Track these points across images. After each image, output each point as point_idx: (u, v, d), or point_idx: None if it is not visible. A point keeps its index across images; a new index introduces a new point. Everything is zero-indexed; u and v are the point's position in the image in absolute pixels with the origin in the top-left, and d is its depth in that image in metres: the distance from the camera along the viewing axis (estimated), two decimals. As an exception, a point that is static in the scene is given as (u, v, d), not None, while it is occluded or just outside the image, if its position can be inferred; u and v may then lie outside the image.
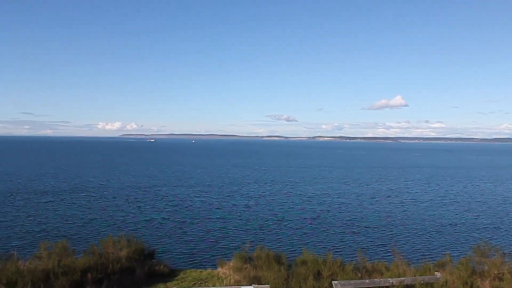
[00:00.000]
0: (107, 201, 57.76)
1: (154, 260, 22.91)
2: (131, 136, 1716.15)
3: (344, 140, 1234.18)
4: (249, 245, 23.18)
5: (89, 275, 18.21)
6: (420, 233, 42.06)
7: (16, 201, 56.18)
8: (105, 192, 65.55)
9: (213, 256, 31.21)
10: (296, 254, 26.88)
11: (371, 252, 33.73)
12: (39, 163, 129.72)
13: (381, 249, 35.62)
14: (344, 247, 35.78)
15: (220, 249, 34.28)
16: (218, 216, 48.06)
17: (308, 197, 64.03)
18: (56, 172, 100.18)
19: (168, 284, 20.21)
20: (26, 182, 77.83)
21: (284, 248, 32.98)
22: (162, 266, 22.39)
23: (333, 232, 41.42)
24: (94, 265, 18.77)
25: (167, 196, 63.02)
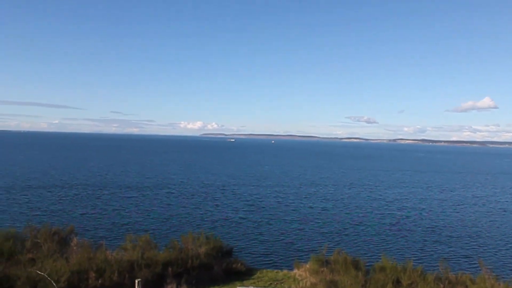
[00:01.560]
0: (187, 198, 59.57)
1: (231, 258, 23.31)
2: (212, 136, 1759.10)
3: (426, 143, 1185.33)
4: (326, 248, 22.93)
5: (170, 269, 18.91)
6: (510, 245, 39.43)
7: (103, 195, 59.58)
8: (185, 190, 67.68)
9: (289, 257, 31.17)
10: (374, 260, 26.22)
11: (454, 262, 32.06)
12: (125, 160, 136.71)
13: (465, 260, 33.76)
14: (425, 256, 34.31)
15: (296, 251, 34.15)
16: (294, 218, 47.94)
17: (387, 202, 62.18)
18: (140, 168, 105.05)
19: (245, 282, 20.46)
20: (113, 177, 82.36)
21: (362, 253, 32.20)
22: (239, 265, 22.73)
23: (413, 240, 39.87)
24: (174, 260, 19.43)
25: (244, 195, 63.88)
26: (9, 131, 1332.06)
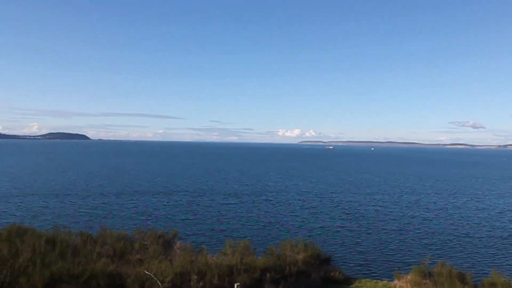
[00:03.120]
0: (284, 205, 60.10)
1: (329, 266, 23.22)
2: (309, 143, 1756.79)
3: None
4: (429, 260, 22.02)
5: (268, 275, 19.29)
6: None
7: (203, 201, 62.04)
8: (282, 197, 68.33)
9: (389, 268, 30.30)
10: (482, 275, 24.66)
11: None
12: (224, 167, 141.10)
13: None
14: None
15: (396, 261, 33.06)
16: (394, 227, 46.43)
17: (498, 213, 57.97)
18: (238, 176, 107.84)
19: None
20: (213, 184, 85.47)
21: (468, 267, 30.35)
22: (337, 273, 22.57)
23: (528, 254, 36.84)
24: (272, 266, 19.78)
25: (342, 203, 63.07)
26: (120, 140, 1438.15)
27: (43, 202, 58.90)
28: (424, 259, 22.23)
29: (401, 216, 53.59)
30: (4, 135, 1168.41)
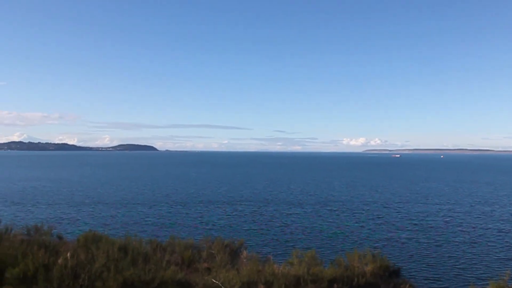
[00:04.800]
0: (349, 216, 59.19)
1: (399, 279, 22.63)
2: (375, 152, 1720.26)
3: None
4: (508, 276, 20.88)
5: (335, 286, 19.09)
6: None
7: (267, 211, 62.35)
8: (347, 207, 67.31)
9: (462, 283, 29.15)
10: None
11: None
12: (288, 177, 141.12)
13: None
14: None
15: (469, 276, 31.61)
16: (466, 239, 44.39)
17: None
18: (302, 185, 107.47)
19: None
20: (277, 194, 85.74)
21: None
22: (407, 286, 21.94)
23: None
24: (340, 277, 19.57)
25: (409, 213, 61.20)
26: (186, 151, 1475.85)
27: (113, 210, 61.56)
28: (503, 274, 21.09)
29: (474, 227, 51.18)
30: (79, 147, 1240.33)
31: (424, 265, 34.46)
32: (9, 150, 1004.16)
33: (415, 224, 52.72)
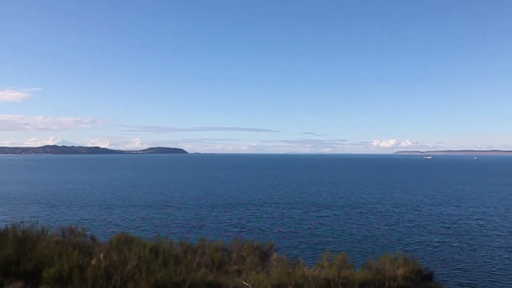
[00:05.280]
0: (379, 218, 58.52)
1: (431, 283, 22.23)
2: (406, 153, 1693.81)
3: None
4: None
5: (366, 289, 18.89)
6: None
7: (296, 213, 62.29)
8: (377, 210, 66.55)
9: (497, 288, 28.40)
10: None
11: None
12: (317, 179, 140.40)
13: None
14: None
15: (505, 282, 30.82)
16: (501, 244, 43.23)
17: None
18: (332, 187, 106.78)
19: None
20: (306, 196, 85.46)
21: None
22: (441, 291, 21.55)
23: None
24: (371, 280, 19.34)
25: (441, 216, 60.05)
26: (215, 153, 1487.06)
27: (144, 213, 62.47)
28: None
29: (510, 232, 49.85)
30: (111, 150, 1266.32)
31: (457, 270, 33.76)
32: (44, 154, 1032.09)
33: (448, 228, 51.71)
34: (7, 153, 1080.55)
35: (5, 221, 41.61)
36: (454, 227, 51.88)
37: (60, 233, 25.07)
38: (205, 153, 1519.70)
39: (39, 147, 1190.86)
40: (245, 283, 17.18)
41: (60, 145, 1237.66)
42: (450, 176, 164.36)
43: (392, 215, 61.01)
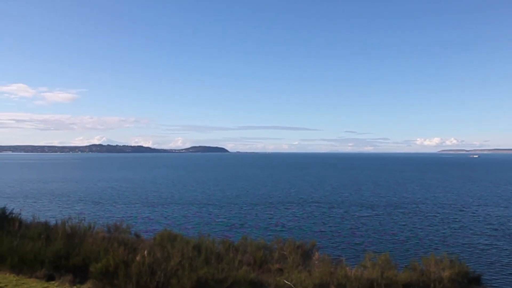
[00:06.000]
0: (422, 219, 57.16)
1: (479, 286, 21.63)
2: (450, 152, 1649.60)
3: None
4: None
5: (409, 291, 18.54)
6: None
7: (337, 213, 61.63)
8: (420, 210, 65.03)
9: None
10: None
11: None
12: (359, 178, 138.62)
13: None
14: None
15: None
16: (553, 246, 41.49)
17: None
18: (373, 187, 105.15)
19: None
20: (347, 195, 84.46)
21: None
22: (488, 294, 20.90)
23: None
24: (415, 282, 18.96)
25: (489, 217, 58.04)
26: (256, 152, 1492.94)
27: (185, 210, 63.37)
28: None
29: (562, 234, 47.74)
30: (154, 149, 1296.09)
31: (506, 274, 32.55)
32: (90, 153, 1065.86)
33: (495, 229, 49.97)
34: (56, 151, 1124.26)
35: (54, 217, 43.11)
36: (503, 229, 50.09)
37: (106, 230, 25.83)
38: (246, 152, 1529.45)
39: (86, 146, 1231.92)
40: (286, 281, 17.20)
41: (105, 144, 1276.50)
42: (498, 175, 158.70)
43: (436, 216, 59.53)
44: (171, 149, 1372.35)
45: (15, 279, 18.29)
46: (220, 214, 60.54)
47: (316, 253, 22.40)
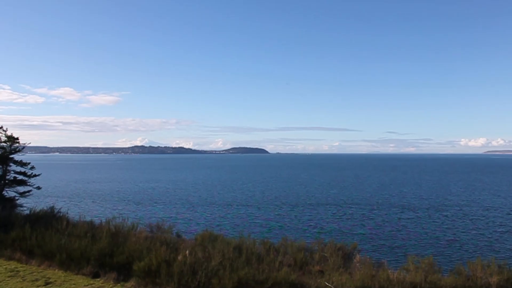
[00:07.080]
0: (467, 222, 55.54)
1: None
2: (497, 153, 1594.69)
3: None
4: None
5: (455, 296, 18.03)
6: None
7: (378, 215, 60.64)
8: (464, 213, 63.12)
9: None
10: None
11: None
12: (401, 180, 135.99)
13: None
14: None
15: None
16: None
17: None
18: (416, 189, 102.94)
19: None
20: (388, 197, 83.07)
21: None
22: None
23: None
24: (461, 287, 18.38)
25: (539, 222, 55.87)
26: (296, 153, 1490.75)
27: (225, 211, 63.86)
28: None
29: None
30: (195, 150, 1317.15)
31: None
32: (132, 154, 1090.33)
33: (546, 233, 48.05)
34: (100, 153, 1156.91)
35: (98, 217, 44.37)
36: (554, 234, 48.12)
37: (148, 230, 26.34)
38: (286, 153, 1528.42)
39: (128, 147, 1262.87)
40: (327, 284, 17.09)
41: (147, 145, 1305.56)
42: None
43: (481, 219, 57.71)
44: (211, 150, 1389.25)
45: (63, 275, 18.96)
46: (260, 215, 60.70)
47: (357, 255, 22.12)
